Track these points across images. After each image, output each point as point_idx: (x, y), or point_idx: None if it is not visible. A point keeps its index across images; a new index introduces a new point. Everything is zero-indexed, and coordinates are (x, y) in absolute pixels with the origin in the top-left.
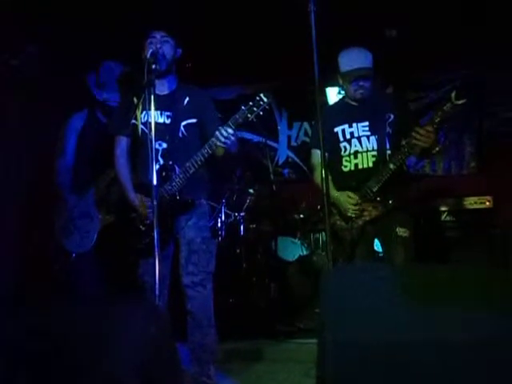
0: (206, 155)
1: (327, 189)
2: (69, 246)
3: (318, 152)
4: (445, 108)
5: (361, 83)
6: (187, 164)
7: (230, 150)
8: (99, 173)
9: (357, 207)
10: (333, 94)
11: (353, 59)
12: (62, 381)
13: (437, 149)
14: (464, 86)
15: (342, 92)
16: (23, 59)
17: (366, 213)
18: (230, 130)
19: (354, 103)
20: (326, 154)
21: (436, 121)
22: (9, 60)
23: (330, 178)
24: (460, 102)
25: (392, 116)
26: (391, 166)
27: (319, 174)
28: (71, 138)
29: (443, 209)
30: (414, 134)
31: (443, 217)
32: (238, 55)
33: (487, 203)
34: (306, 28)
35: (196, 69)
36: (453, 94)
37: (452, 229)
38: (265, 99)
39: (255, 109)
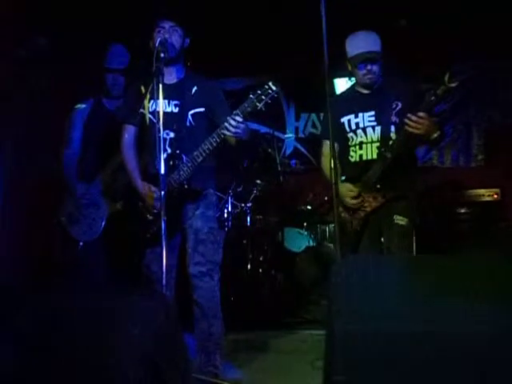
0: (215, 144)
1: (336, 180)
2: (76, 234)
3: (328, 142)
4: (438, 91)
5: (368, 67)
6: (195, 153)
7: (242, 138)
8: (106, 161)
9: (356, 200)
10: (341, 85)
11: (360, 42)
12: (68, 371)
13: (435, 135)
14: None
15: (352, 79)
16: (31, 50)
17: (366, 204)
18: (239, 118)
19: (362, 91)
20: (336, 145)
21: (429, 105)
22: (17, 51)
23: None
24: (453, 84)
25: (400, 104)
26: (388, 155)
27: (326, 163)
28: (77, 127)
29: (451, 201)
30: (406, 120)
31: (451, 209)
32: (245, 45)
33: (495, 196)
34: (316, 18)
35: (204, 59)
36: (446, 77)
37: (459, 221)
38: (273, 87)
39: (264, 97)
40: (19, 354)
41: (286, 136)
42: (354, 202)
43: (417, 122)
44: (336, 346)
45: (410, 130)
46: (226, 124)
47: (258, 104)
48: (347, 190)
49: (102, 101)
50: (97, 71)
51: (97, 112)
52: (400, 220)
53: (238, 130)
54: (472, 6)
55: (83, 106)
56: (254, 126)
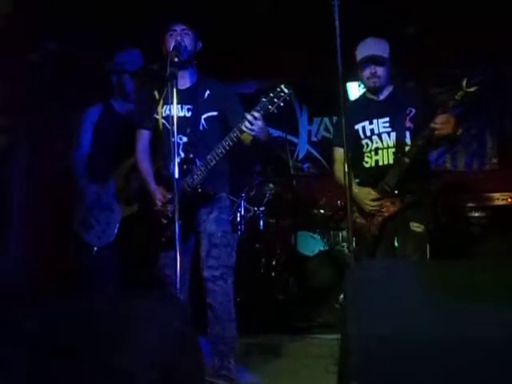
0: (228, 147)
1: (350, 186)
2: (90, 239)
3: (340, 150)
4: (456, 96)
5: (372, 69)
6: (208, 156)
7: (260, 138)
8: (117, 164)
9: (375, 203)
10: (354, 89)
11: (366, 47)
12: (81, 376)
13: (460, 131)
14: (480, 77)
15: (362, 86)
16: (43, 54)
17: (384, 209)
18: (257, 114)
19: (373, 97)
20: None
21: (447, 109)
22: (29, 55)
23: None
24: (471, 89)
25: (413, 110)
26: (406, 160)
27: (339, 168)
28: (87, 130)
29: (464, 205)
30: (432, 125)
31: (465, 213)
32: (257, 49)
33: (509, 199)
34: (328, 22)
35: (216, 63)
36: (464, 82)
37: (473, 225)
38: (286, 90)
39: (276, 100)
40: (31, 357)
41: None
42: (373, 204)
43: (443, 123)
44: (351, 351)
45: (438, 131)
46: (245, 121)
47: (270, 107)
48: (366, 192)
49: (112, 103)
50: (109, 74)
51: (107, 115)
52: (416, 227)
53: (255, 128)
54: (485, 10)
55: (93, 108)
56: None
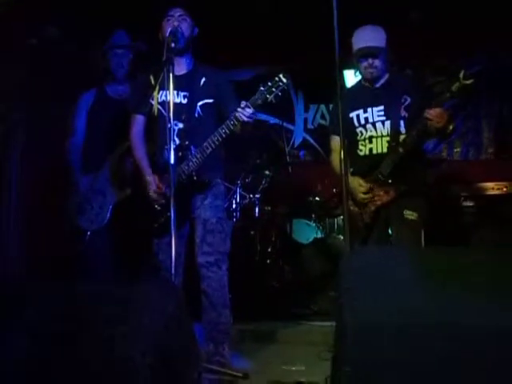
0: (224, 135)
1: (345, 173)
2: (83, 223)
3: (337, 138)
4: (453, 88)
5: (370, 61)
6: (204, 144)
7: (247, 127)
8: (112, 149)
9: (367, 195)
10: (350, 77)
11: (362, 37)
12: (78, 359)
13: (451, 127)
14: (477, 68)
15: (358, 74)
16: (42, 39)
17: (377, 198)
18: (249, 110)
19: (369, 85)
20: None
21: (443, 100)
22: (28, 40)
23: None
24: (468, 81)
25: (408, 99)
26: (400, 149)
27: (336, 157)
28: (81, 116)
29: (460, 194)
30: (425, 115)
31: (460, 202)
32: (253, 35)
33: (504, 189)
34: (326, 8)
35: (212, 49)
36: (461, 74)
37: (468, 214)
38: (284, 80)
39: (274, 89)
40: (31, 343)
41: None
42: (364, 196)
43: (436, 116)
44: (345, 338)
45: (431, 123)
46: (237, 115)
47: (268, 96)
48: (358, 184)
49: (106, 89)
50: (101, 57)
51: (100, 100)
52: (410, 215)
53: (250, 121)
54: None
55: (87, 94)
56: (263, 117)
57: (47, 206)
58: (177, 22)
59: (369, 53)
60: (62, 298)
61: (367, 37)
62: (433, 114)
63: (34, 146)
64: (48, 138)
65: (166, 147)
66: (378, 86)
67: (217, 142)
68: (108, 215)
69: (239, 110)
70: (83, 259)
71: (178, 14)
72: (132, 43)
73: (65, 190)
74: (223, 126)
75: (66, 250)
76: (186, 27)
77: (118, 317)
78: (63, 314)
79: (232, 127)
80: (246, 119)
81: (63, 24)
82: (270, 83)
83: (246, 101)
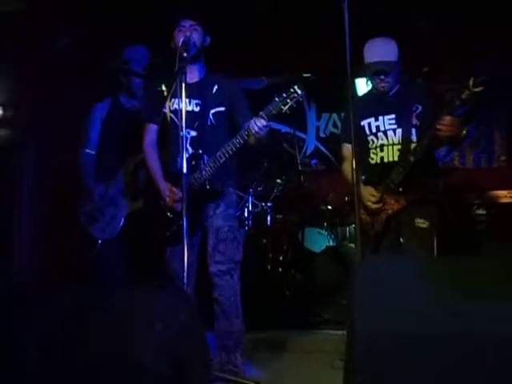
0: (238, 145)
1: (357, 182)
2: (95, 232)
3: (349, 146)
4: (463, 96)
5: (382, 77)
6: (218, 153)
7: (262, 137)
8: (125, 159)
9: (378, 205)
10: (362, 85)
11: (374, 51)
12: (90, 367)
13: (464, 132)
14: (486, 76)
15: (369, 83)
16: (54, 51)
17: (388, 206)
18: (264, 122)
19: (380, 94)
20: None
21: (453, 108)
22: (40, 51)
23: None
24: (477, 89)
25: (420, 107)
26: (411, 158)
27: (348, 165)
28: (95, 126)
29: (472, 202)
30: (437, 125)
31: (472, 210)
32: (266, 45)
33: None
34: (337, 17)
35: (224, 58)
36: (470, 82)
37: (481, 222)
38: (299, 91)
39: (289, 101)
40: (44, 349)
41: None
42: (375, 206)
43: (448, 125)
44: (357, 347)
45: (443, 133)
46: (251, 125)
47: (283, 107)
48: (369, 193)
49: (120, 99)
50: (117, 70)
51: (115, 111)
52: (421, 223)
53: (261, 133)
54: (495, 7)
55: (101, 104)
56: (275, 126)
57: (60, 213)
58: (188, 32)
59: (381, 70)
60: (71, 306)
61: (379, 51)
62: (444, 123)
63: (47, 153)
64: (61, 145)
65: (179, 156)
66: (388, 94)
67: (230, 152)
68: (120, 225)
69: (252, 121)
70: (93, 267)
71: (190, 24)
72: (151, 61)
73: (78, 198)
74: (237, 137)
75: (78, 258)
76: (197, 37)
77: (130, 325)
78: (76, 320)
79: (246, 137)
80: (258, 130)
81: (76, 34)
82: (284, 94)
83: (260, 110)
